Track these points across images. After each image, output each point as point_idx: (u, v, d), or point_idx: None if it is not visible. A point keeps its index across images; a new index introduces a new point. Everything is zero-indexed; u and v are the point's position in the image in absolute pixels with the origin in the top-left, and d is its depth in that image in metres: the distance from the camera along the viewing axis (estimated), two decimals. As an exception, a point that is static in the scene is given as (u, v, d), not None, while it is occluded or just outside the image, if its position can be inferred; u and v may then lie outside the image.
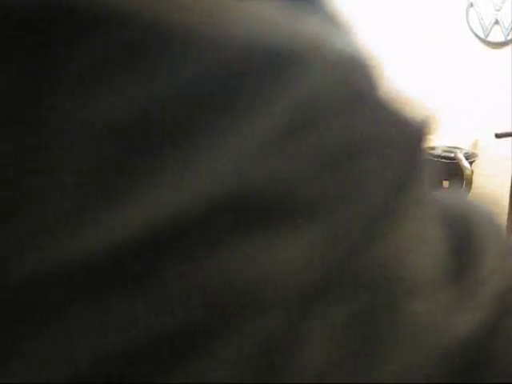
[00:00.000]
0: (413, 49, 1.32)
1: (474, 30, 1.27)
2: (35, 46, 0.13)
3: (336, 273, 0.14)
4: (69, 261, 0.13)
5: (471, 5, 1.26)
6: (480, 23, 1.26)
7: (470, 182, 0.66)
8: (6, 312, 0.13)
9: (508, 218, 0.82)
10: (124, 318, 0.13)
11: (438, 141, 1.24)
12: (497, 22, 1.25)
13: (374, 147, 0.14)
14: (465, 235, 0.19)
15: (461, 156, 0.70)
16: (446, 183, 0.77)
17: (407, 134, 0.17)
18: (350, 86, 0.15)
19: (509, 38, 1.25)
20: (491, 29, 1.26)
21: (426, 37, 1.31)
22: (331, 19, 0.17)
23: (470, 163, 0.70)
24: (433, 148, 0.77)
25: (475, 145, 1.26)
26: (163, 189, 0.13)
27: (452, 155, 0.73)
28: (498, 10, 1.25)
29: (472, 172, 0.66)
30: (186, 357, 0.14)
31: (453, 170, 0.72)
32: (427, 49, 1.32)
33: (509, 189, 0.81)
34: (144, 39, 0.13)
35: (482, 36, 1.27)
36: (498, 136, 0.83)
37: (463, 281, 0.17)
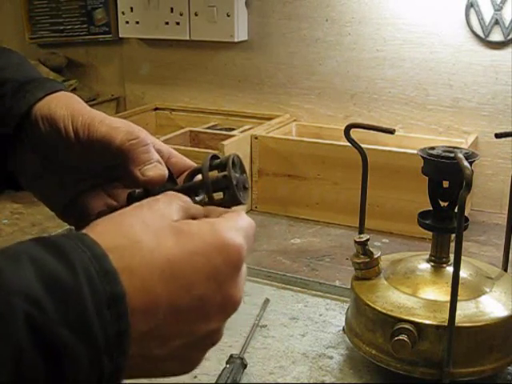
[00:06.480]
0: (412, 48, 1.32)
1: (474, 30, 1.27)
2: None
3: None
4: None
5: (471, 5, 1.26)
6: (480, 23, 1.26)
7: (470, 182, 0.65)
8: None
9: (508, 218, 0.82)
10: None
11: (438, 141, 1.24)
12: (497, 22, 1.25)
13: None
14: None
15: (461, 156, 0.70)
16: (446, 183, 0.77)
17: None
18: None
19: (509, 37, 1.25)
20: (491, 29, 1.26)
21: (425, 36, 1.31)
22: None
23: (470, 163, 0.69)
24: (433, 148, 0.77)
25: (475, 145, 1.26)
26: None
27: (452, 155, 0.73)
28: (498, 10, 1.25)
29: (472, 172, 0.66)
30: None
31: (453, 169, 0.71)
32: (426, 48, 1.31)
33: (509, 189, 0.81)
34: None
35: (482, 36, 1.27)
36: (497, 136, 0.83)
37: None
